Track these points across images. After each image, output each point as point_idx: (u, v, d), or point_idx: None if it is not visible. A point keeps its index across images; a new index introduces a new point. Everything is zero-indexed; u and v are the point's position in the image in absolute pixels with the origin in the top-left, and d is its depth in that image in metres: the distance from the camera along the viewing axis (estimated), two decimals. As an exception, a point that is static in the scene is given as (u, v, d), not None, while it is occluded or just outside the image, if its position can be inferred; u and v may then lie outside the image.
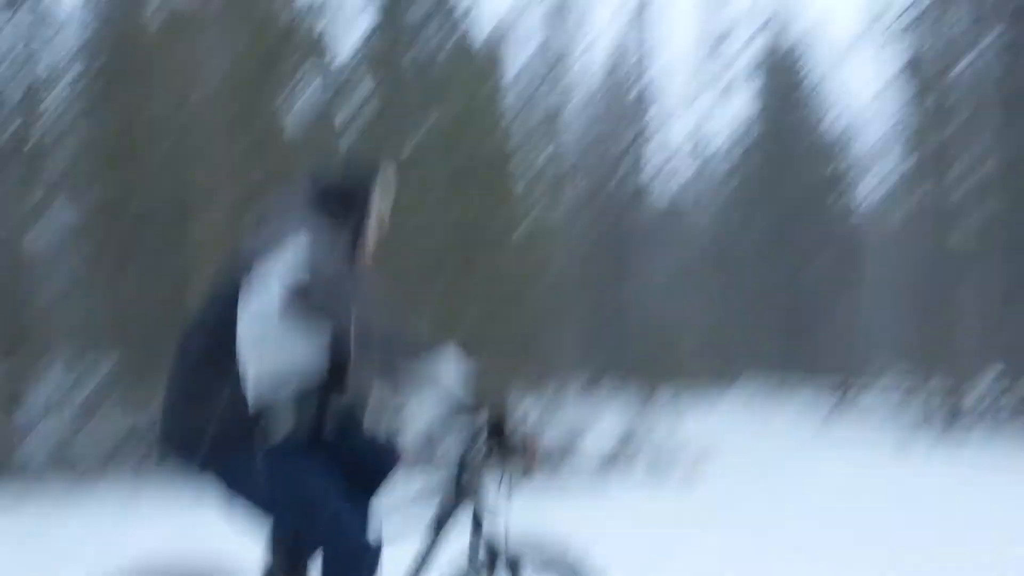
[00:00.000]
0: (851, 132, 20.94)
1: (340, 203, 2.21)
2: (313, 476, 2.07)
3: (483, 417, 2.08)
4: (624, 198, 19.60)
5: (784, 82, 22.61)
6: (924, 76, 14.19)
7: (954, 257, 13.41)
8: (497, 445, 2.11)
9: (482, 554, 2.12)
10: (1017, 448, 10.67)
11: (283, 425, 2.05)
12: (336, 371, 2.10)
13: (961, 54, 13.68)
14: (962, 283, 13.35)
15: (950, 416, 12.64)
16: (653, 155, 20.38)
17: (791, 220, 20.77)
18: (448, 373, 1.99)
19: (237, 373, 2.04)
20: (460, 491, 2.12)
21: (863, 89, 20.18)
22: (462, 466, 2.12)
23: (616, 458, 8.18)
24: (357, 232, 2.21)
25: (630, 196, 19.59)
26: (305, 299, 1.96)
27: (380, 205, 2.27)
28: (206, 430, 2.03)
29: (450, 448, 2.21)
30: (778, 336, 21.21)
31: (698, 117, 22.29)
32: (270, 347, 2.03)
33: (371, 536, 2.08)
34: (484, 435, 2.10)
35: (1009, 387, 13.03)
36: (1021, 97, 13.18)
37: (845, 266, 19.91)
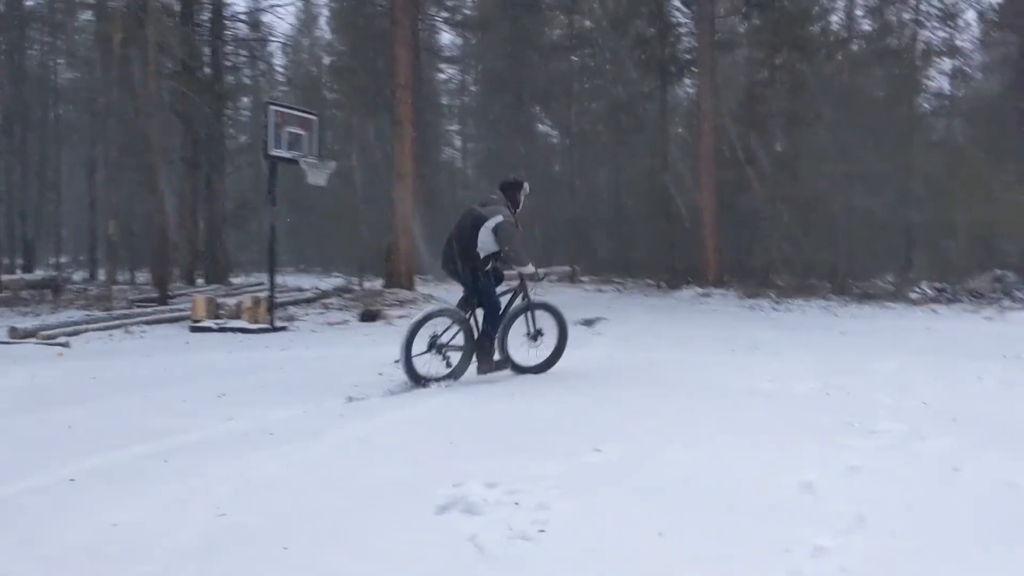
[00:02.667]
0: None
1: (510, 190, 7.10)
2: (492, 281, 6.92)
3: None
4: None
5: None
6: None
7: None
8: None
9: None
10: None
11: (490, 263, 6.81)
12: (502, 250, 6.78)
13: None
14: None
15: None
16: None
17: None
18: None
19: (476, 246, 6.73)
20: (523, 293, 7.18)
21: None
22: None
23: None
24: (516, 202, 7.08)
25: None
26: (503, 228, 6.73)
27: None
28: (466, 263, 6.77)
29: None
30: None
31: None
32: (489, 240, 6.73)
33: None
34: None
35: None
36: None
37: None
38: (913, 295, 16.50)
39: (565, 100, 28.61)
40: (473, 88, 37.48)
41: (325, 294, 15.98)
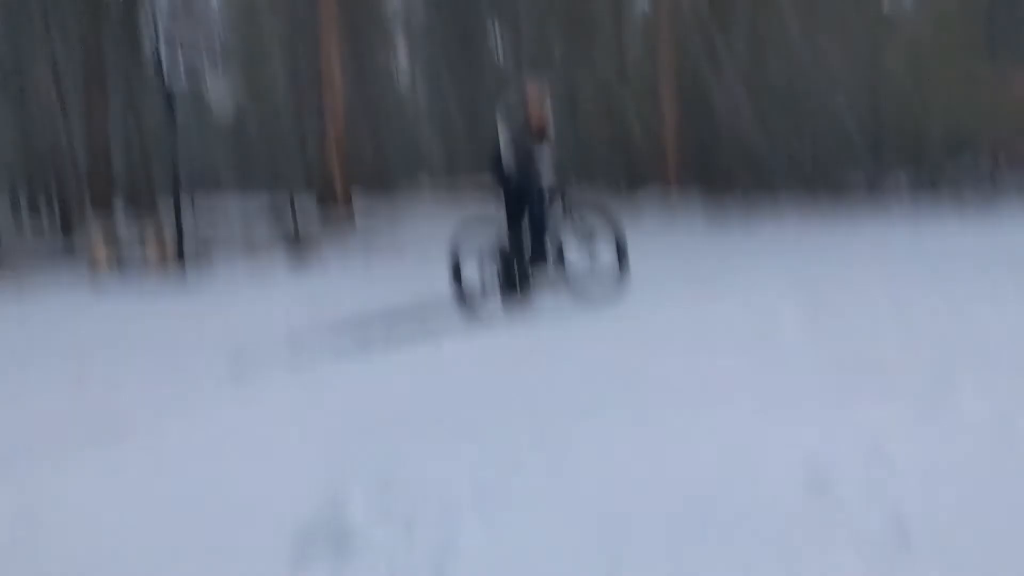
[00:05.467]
0: None
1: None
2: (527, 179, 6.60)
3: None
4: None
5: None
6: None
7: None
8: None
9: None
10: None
11: (511, 169, 6.55)
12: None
13: None
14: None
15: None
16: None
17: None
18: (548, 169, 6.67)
19: (500, 155, 6.55)
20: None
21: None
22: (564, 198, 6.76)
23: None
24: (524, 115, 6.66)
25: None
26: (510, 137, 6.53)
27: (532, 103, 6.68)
28: (495, 169, 6.60)
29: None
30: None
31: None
32: (504, 150, 6.54)
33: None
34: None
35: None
36: None
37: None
38: (890, 190, 15.45)
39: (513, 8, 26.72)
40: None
41: (251, 224, 14.11)
